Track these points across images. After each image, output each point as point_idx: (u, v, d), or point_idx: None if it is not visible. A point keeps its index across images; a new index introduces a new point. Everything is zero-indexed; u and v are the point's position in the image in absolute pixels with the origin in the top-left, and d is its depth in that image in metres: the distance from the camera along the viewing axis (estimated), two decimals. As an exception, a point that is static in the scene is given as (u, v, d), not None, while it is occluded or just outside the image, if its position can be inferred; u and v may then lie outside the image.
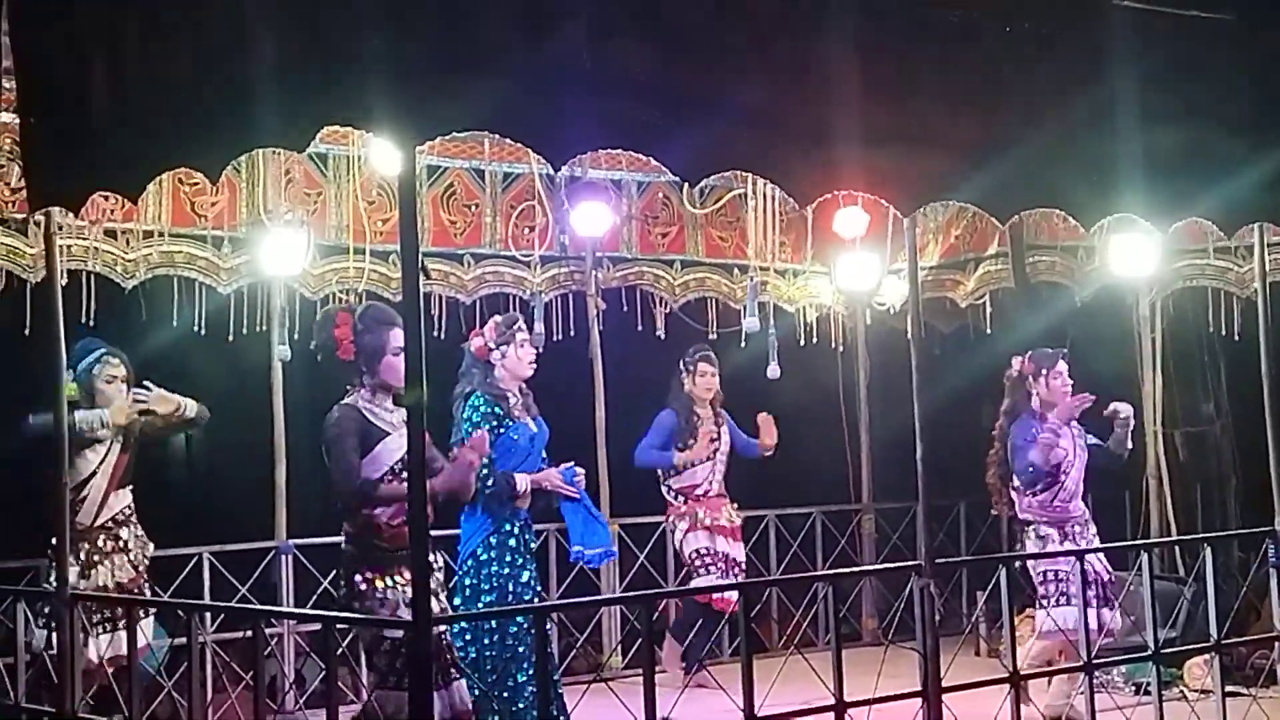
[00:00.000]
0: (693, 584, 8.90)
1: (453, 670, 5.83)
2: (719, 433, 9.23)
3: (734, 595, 9.08)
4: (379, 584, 5.83)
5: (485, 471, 7.03)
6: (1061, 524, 7.89)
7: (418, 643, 4.70)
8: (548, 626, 7.54)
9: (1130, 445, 8.16)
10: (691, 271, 10.22)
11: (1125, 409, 8.07)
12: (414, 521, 4.77)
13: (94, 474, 7.27)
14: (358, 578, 5.85)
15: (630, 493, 9.64)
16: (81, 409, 7.15)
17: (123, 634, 6.42)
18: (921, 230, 10.21)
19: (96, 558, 7.26)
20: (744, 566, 9.30)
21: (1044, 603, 7.70)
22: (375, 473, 5.89)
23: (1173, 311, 9.80)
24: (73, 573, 6.91)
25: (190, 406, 7.39)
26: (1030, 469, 7.76)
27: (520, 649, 7.05)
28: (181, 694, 6.60)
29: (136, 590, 7.32)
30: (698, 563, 9.12)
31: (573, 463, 7.40)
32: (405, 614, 5.65)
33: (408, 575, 5.71)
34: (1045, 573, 7.74)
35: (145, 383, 7.37)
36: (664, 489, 9.26)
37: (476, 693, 6.81)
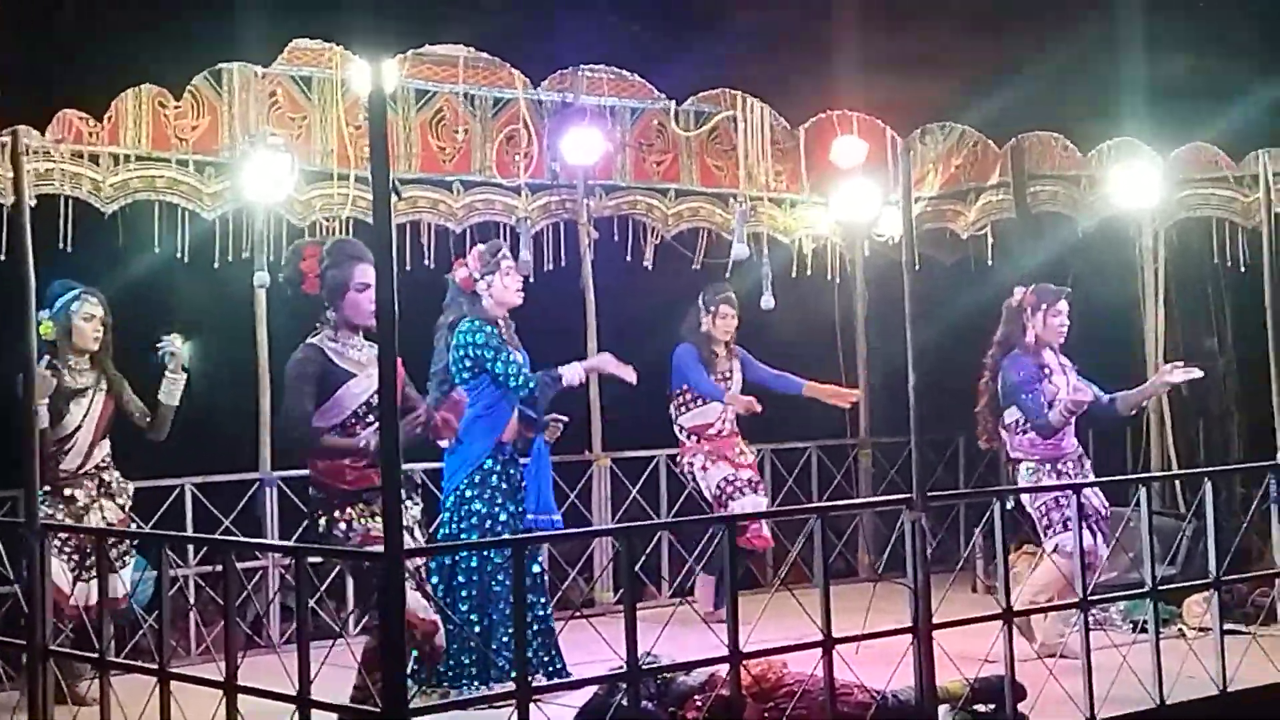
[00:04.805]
0: (729, 509, 8.73)
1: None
2: (731, 372, 9.10)
3: (767, 533, 9.02)
4: (347, 518, 5.72)
5: (521, 378, 7.02)
6: (1053, 461, 7.72)
7: (389, 574, 4.57)
8: (542, 563, 7.42)
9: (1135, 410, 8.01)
10: (685, 200, 10.01)
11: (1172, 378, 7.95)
12: (386, 459, 4.62)
13: (79, 426, 7.22)
14: (325, 518, 5.77)
15: (621, 427, 9.51)
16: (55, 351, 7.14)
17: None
18: (921, 160, 10.04)
19: (88, 501, 7.22)
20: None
21: (1049, 532, 7.53)
22: (332, 420, 5.79)
23: (1176, 243, 9.62)
24: (64, 515, 6.96)
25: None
26: (1042, 414, 7.56)
27: (496, 587, 6.93)
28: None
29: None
30: (729, 489, 8.93)
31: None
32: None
33: (375, 508, 5.65)
34: (1044, 504, 7.58)
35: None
36: (675, 428, 9.12)
37: (451, 627, 6.71)
